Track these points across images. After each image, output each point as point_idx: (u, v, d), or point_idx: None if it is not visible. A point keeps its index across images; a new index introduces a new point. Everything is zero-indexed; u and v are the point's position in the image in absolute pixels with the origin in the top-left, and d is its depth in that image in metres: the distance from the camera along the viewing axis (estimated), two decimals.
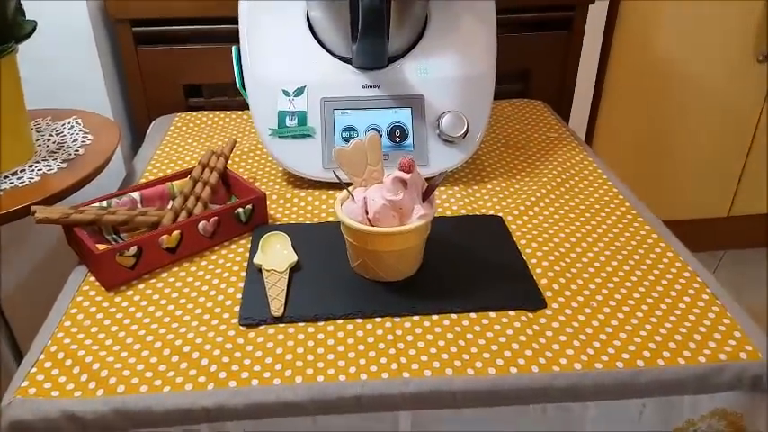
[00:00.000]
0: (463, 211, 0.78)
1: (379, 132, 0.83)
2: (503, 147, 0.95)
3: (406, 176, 0.62)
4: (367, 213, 0.63)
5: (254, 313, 0.61)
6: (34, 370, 0.55)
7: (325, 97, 0.83)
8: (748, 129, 1.56)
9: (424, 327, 0.60)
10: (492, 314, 0.62)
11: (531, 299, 0.64)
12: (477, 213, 0.78)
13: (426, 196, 0.64)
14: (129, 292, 0.66)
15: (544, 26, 1.14)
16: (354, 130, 0.82)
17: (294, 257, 0.68)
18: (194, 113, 1.07)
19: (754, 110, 1.54)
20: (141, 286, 0.66)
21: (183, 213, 0.73)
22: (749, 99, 1.52)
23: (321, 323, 0.61)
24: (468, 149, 0.83)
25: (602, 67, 1.42)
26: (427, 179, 0.65)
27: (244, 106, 1.09)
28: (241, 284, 0.66)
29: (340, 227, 0.66)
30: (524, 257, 0.70)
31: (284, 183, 0.86)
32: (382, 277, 0.65)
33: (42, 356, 0.57)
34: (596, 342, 0.59)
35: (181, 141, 0.98)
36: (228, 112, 1.08)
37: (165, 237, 0.68)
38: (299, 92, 0.83)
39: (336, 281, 0.66)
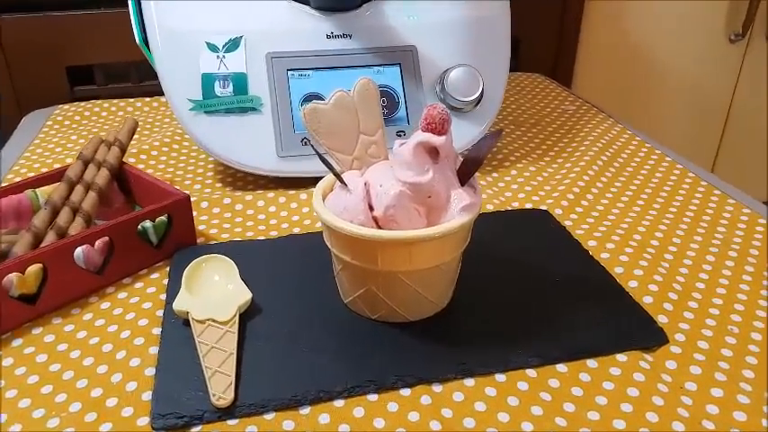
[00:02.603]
0: (489, 206, 0.54)
1: None
2: (513, 125, 0.71)
3: (439, 141, 0.36)
4: (372, 209, 0.37)
5: (178, 405, 0.33)
6: None
7: (273, 52, 0.56)
8: (721, 110, 1.47)
9: (488, 398, 0.34)
10: (591, 362, 0.37)
11: (643, 330, 0.39)
12: (510, 208, 0.53)
13: (467, 176, 0.38)
14: None
15: None
16: (320, 98, 0.56)
17: (246, 295, 0.40)
18: (82, 104, 0.77)
19: (727, 91, 1.45)
20: None
21: (51, 235, 0.43)
22: (721, 80, 1.45)
23: (305, 410, 0.34)
24: (486, 119, 0.59)
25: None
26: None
27: (154, 93, 0.81)
28: (154, 351, 0.38)
29: (322, 237, 0.40)
30: (604, 267, 0.45)
31: (219, 183, 0.58)
32: (400, 316, 0.39)
33: None
34: None
35: (61, 138, 0.69)
36: (132, 100, 0.78)
37: (15, 277, 0.39)
38: (233, 45, 0.56)
39: (323, 329, 0.39)
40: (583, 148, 0.64)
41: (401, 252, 0.36)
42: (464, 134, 0.58)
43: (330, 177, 0.40)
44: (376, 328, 0.39)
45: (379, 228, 0.36)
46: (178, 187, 0.57)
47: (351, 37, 0.58)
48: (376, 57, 0.58)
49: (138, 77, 0.85)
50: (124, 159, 0.53)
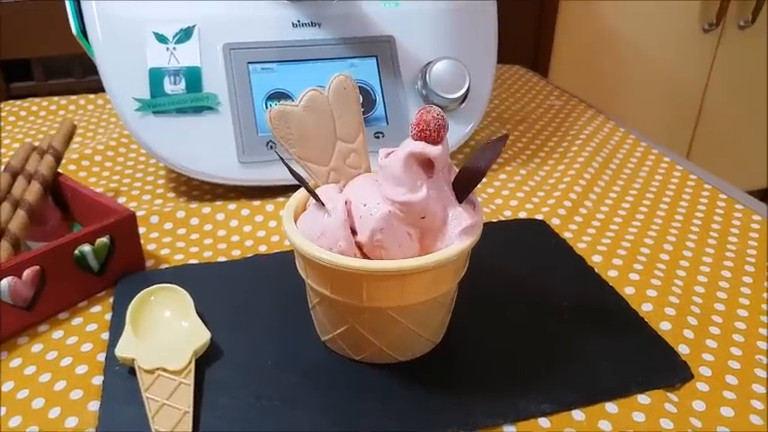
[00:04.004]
0: None
1: None
2: (497, 122, 0.66)
3: (434, 151, 0.30)
4: (355, 233, 0.31)
5: None
6: None
7: (231, 43, 0.49)
8: (695, 99, 1.46)
9: None
10: (611, 406, 0.32)
11: (665, 365, 0.34)
12: (503, 218, 0.48)
13: (466, 191, 0.32)
14: None
15: None
16: (287, 95, 0.50)
17: (203, 336, 0.34)
18: (18, 102, 0.69)
19: (701, 80, 1.44)
20: None
21: None
22: (695, 69, 1.43)
23: None
24: (473, 118, 0.53)
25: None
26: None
27: (100, 89, 0.73)
28: (94, 407, 0.31)
29: (293, 257, 0.34)
30: (614, 287, 0.40)
31: (171, 193, 0.51)
32: (389, 356, 0.33)
33: None
34: None
35: None
36: (74, 97, 0.70)
37: None
38: (185, 35, 0.49)
39: (298, 377, 0.33)
40: (575, 148, 0.59)
41: (391, 285, 0.30)
42: (449, 135, 0.52)
43: (303, 192, 0.34)
44: (361, 373, 0.33)
45: (364, 255, 0.31)
46: (124, 199, 0.50)
47: (320, 26, 0.51)
48: (349, 48, 0.51)
49: (81, 72, 0.77)
50: (60, 169, 0.45)
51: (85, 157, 0.56)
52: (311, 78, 0.50)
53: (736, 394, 0.33)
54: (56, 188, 0.45)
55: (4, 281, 0.35)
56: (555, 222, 0.47)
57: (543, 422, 0.31)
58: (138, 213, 0.47)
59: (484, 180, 0.53)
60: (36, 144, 0.47)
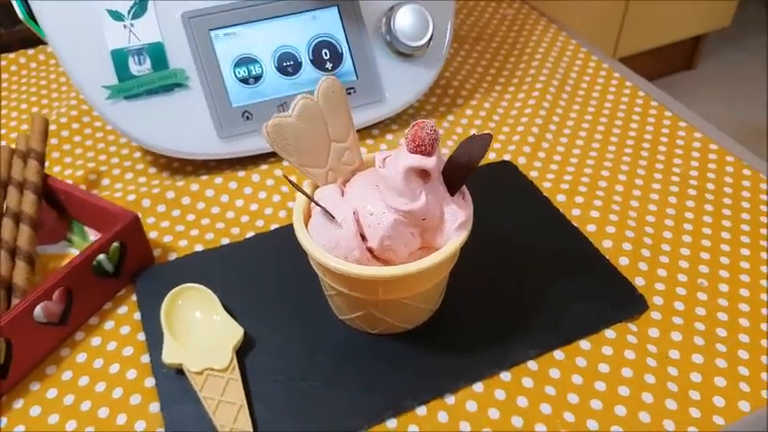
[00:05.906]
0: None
1: (296, 58, 0.51)
2: (455, 43, 0.66)
3: (430, 163, 0.33)
4: (364, 239, 0.34)
5: None
6: None
7: (189, 11, 0.48)
8: None
9: (499, 403, 0.36)
10: (584, 344, 0.39)
11: (625, 299, 0.41)
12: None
13: (457, 185, 0.36)
14: None
15: None
16: (255, 60, 0.50)
17: (238, 332, 0.38)
18: None
19: None
20: None
21: None
22: None
23: None
24: (438, 62, 0.55)
25: None
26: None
27: (36, 39, 0.68)
28: (155, 408, 0.36)
29: (290, 231, 0.37)
30: (578, 227, 0.46)
31: (153, 168, 0.52)
32: (400, 328, 0.39)
33: None
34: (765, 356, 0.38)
35: None
36: (13, 56, 0.66)
37: None
38: (140, 9, 0.47)
39: (327, 357, 0.38)
40: (533, 71, 0.62)
41: (403, 282, 0.35)
42: (416, 81, 0.54)
43: (306, 200, 0.37)
44: (378, 345, 0.38)
45: (374, 255, 0.35)
46: (107, 181, 0.51)
47: None
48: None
49: (10, 21, 0.71)
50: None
51: (51, 134, 0.55)
52: (275, 38, 0.50)
53: (684, 319, 0.41)
54: (46, 189, 0.45)
55: (38, 307, 0.38)
56: (521, 162, 0.52)
57: (531, 365, 0.38)
58: (128, 198, 0.49)
59: (451, 117, 0.56)
60: (13, 146, 0.46)
